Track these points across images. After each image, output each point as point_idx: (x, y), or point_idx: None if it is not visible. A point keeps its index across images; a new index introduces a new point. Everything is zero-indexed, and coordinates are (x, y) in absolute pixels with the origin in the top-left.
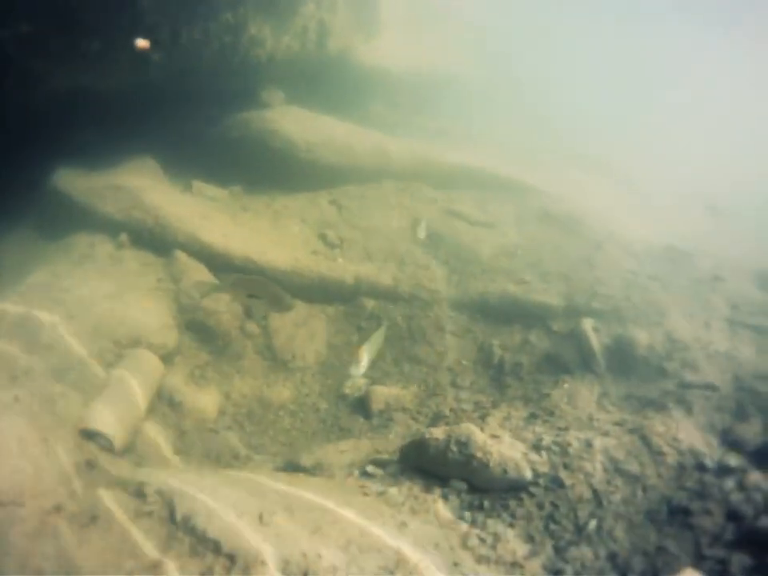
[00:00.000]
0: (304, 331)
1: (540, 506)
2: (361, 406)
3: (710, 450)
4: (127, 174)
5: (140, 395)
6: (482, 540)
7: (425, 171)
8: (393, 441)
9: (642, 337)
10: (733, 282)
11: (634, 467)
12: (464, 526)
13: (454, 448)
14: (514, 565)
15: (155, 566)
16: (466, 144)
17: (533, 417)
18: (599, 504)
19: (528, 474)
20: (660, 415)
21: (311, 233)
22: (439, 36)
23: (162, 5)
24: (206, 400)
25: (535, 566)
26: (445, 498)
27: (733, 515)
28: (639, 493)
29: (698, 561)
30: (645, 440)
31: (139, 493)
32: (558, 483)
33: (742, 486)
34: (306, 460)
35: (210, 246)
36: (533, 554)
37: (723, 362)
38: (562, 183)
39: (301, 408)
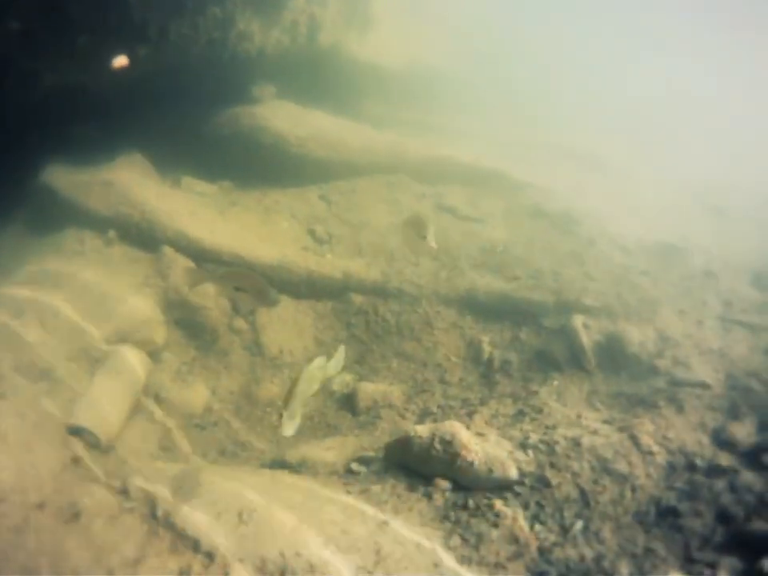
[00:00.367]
0: (292, 327)
1: (525, 506)
2: (348, 402)
3: (702, 450)
4: (116, 170)
5: (126, 392)
6: (465, 540)
7: (415, 166)
8: (379, 438)
9: (633, 334)
10: (726, 279)
11: (622, 467)
12: (447, 526)
13: (438, 446)
14: (497, 566)
15: (136, 563)
16: (457, 139)
17: (521, 414)
18: (586, 504)
19: (514, 473)
20: (650, 414)
21: (300, 228)
22: (431, 33)
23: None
24: (192, 396)
25: (519, 568)
26: (428, 496)
27: (723, 517)
28: (627, 493)
29: (686, 564)
30: (634, 439)
31: (123, 490)
32: (544, 483)
33: (733, 487)
34: (291, 457)
35: (197, 242)
36: (516, 555)
37: (716, 360)
38: (554, 179)
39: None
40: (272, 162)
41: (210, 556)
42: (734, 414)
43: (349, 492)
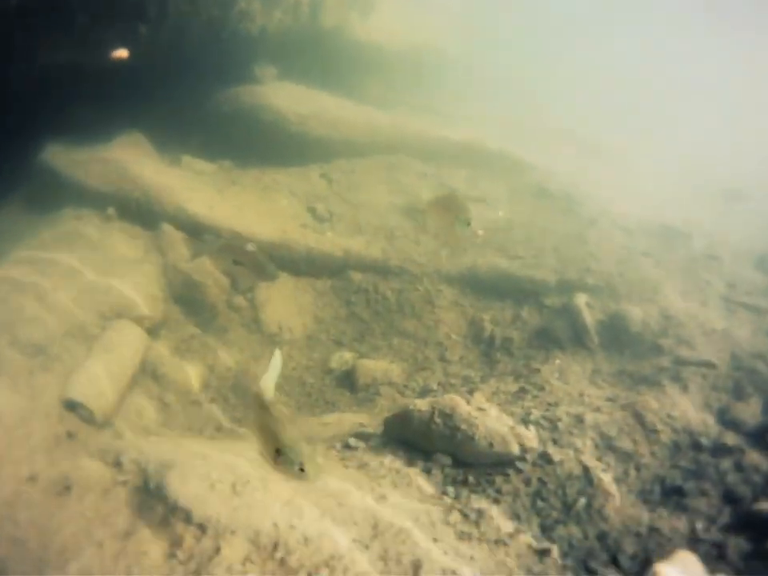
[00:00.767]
0: (291, 305)
1: (527, 483)
2: (347, 379)
3: (707, 429)
4: (115, 149)
5: (123, 367)
6: (465, 516)
7: (417, 146)
8: (378, 415)
9: (635, 313)
10: (730, 262)
11: (626, 444)
12: (447, 501)
13: (438, 420)
14: (498, 542)
15: (126, 535)
16: (459, 122)
17: (522, 392)
18: (589, 481)
19: (515, 449)
20: (654, 392)
21: (300, 206)
22: (434, 17)
23: None
24: (190, 372)
25: (520, 545)
26: (427, 471)
27: (730, 497)
28: (632, 471)
29: (692, 544)
30: (638, 417)
31: (116, 462)
32: (546, 459)
33: (739, 467)
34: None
35: (196, 219)
36: (518, 531)
37: (720, 341)
38: (556, 162)
39: (286, 381)
40: (272, 141)
41: (201, 528)
42: (738, 394)
43: (346, 466)
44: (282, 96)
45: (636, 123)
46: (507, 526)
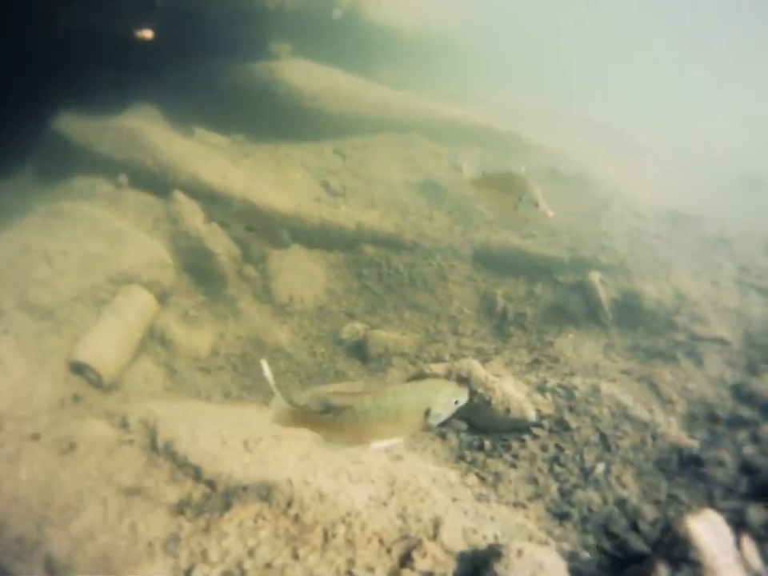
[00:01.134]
0: (303, 276)
1: (544, 449)
2: (359, 350)
3: (722, 402)
4: (128, 118)
5: (132, 332)
6: (482, 479)
7: (430, 125)
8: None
9: (649, 291)
10: (741, 246)
11: (643, 414)
12: (463, 466)
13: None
14: (517, 505)
15: (132, 493)
16: (472, 105)
17: (536, 363)
18: (607, 448)
19: (532, 415)
20: (669, 366)
21: (314, 180)
22: (451, 1)
23: None
24: (199, 339)
25: (539, 509)
26: (443, 437)
27: (747, 467)
28: (649, 440)
29: None
30: (654, 388)
31: (123, 423)
32: (563, 426)
33: (756, 438)
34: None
35: (209, 187)
36: (536, 495)
37: (733, 319)
38: (568, 145)
39: (297, 351)
40: (286, 116)
41: (211, 484)
42: (753, 369)
43: None
44: (297, 72)
45: (660, 113)
46: (525, 489)
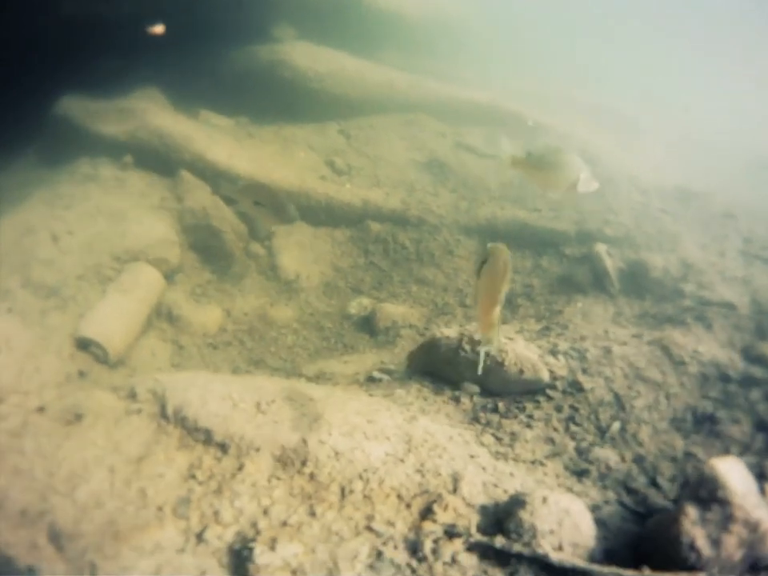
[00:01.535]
0: (309, 252)
1: (559, 409)
2: (366, 324)
3: (733, 363)
4: (132, 101)
5: (138, 308)
6: (499, 439)
7: (434, 105)
8: (399, 354)
9: (656, 260)
10: (746, 221)
11: (655, 374)
12: (478, 427)
13: (467, 346)
14: (535, 463)
15: (140, 459)
16: (478, 87)
17: (546, 330)
18: (621, 407)
19: (545, 376)
20: (679, 330)
21: (319, 159)
22: None
23: None
24: (206, 316)
25: (557, 466)
26: (456, 400)
27: (762, 425)
28: (662, 400)
29: None
30: (665, 350)
31: (131, 394)
32: (576, 387)
33: None
34: (307, 370)
35: (215, 165)
36: (554, 453)
37: (740, 286)
38: (571, 125)
39: (304, 326)
40: (290, 98)
41: (223, 446)
42: (761, 333)
43: (372, 395)
44: (301, 54)
45: (670, 98)
46: (542, 448)
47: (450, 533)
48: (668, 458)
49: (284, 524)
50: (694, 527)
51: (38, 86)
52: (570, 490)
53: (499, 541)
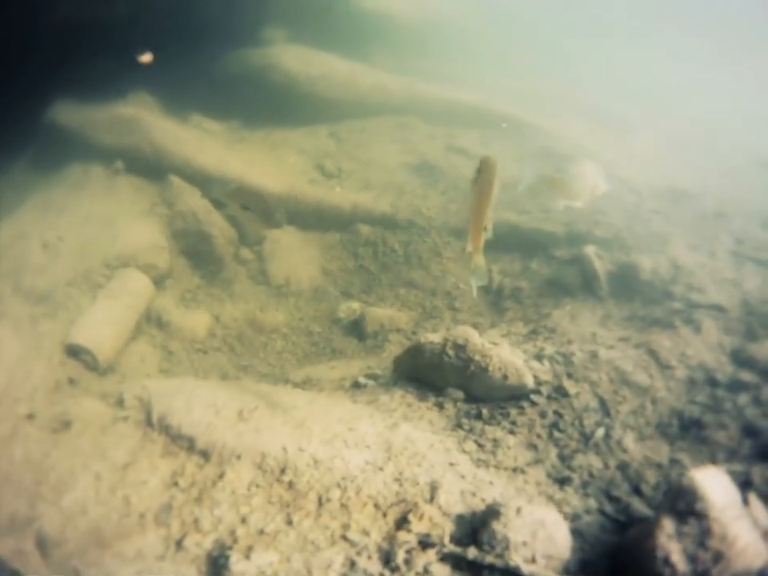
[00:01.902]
0: (299, 257)
1: (543, 415)
2: (355, 328)
3: (722, 367)
4: (124, 106)
5: (128, 314)
6: (481, 446)
7: (426, 108)
8: (386, 359)
9: (645, 262)
10: (737, 221)
11: (642, 379)
12: (461, 434)
13: (451, 351)
14: (516, 470)
15: (125, 467)
16: (470, 88)
17: (534, 333)
18: (606, 413)
19: (530, 381)
20: (667, 333)
21: (309, 163)
22: None
23: None
24: (195, 321)
25: (539, 474)
26: (440, 406)
27: (750, 430)
28: (648, 405)
29: None
30: (652, 354)
31: (118, 401)
32: (561, 392)
33: (758, 401)
34: (295, 376)
35: (204, 170)
36: (536, 461)
37: (730, 288)
38: (563, 126)
39: (293, 331)
40: (281, 101)
41: (205, 454)
42: (751, 336)
43: (356, 402)
44: (292, 57)
45: (665, 97)
46: (524, 455)
47: (424, 543)
48: (653, 464)
49: (261, 532)
50: (669, 541)
51: (31, 90)
52: (550, 498)
53: (472, 552)
